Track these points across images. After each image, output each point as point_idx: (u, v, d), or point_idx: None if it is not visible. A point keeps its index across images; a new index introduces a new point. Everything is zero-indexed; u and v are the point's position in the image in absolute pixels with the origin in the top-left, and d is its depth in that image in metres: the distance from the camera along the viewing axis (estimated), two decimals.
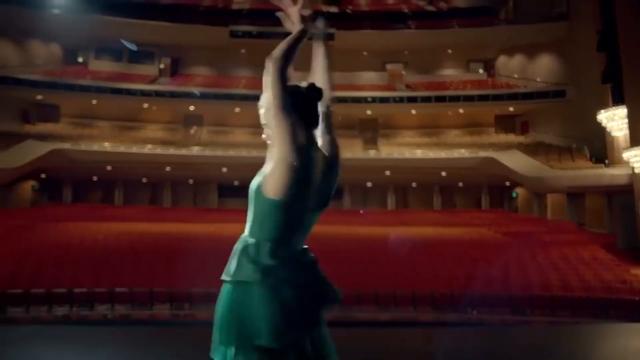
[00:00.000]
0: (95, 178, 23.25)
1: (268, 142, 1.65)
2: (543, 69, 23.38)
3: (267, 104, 1.64)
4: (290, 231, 1.60)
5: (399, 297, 9.36)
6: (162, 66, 25.65)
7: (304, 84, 1.77)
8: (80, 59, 25.57)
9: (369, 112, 24.20)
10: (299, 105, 1.66)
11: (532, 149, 21.21)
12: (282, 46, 1.65)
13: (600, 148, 18.87)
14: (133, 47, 21.59)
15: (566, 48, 22.15)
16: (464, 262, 11.42)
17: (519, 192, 23.75)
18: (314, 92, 1.76)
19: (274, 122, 1.58)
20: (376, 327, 8.50)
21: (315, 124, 1.73)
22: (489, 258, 11.82)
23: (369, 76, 25.87)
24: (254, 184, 1.63)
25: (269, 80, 1.60)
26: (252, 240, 1.59)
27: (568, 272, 10.59)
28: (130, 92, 22.63)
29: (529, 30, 22.87)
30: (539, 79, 23.21)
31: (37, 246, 11.86)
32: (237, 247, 1.61)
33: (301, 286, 1.57)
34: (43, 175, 22.06)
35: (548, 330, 6.80)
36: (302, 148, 1.59)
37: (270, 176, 1.57)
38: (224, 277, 1.58)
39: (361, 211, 22.33)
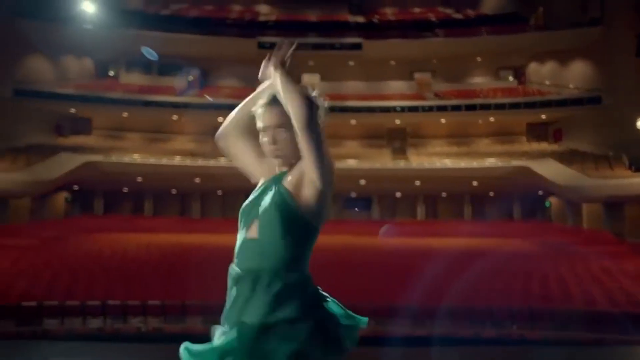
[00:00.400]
0: (125, 189, 23.56)
1: (275, 155, 1.59)
2: (576, 75, 22.82)
3: (280, 121, 1.57)
4: (310, 251, 1.55)
5: (436, 312, 9.08)
6: (190, 78, 25.93)
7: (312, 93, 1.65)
8: (111, 73, 26.07)
9: (397, 121, 23.99)
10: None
11: (566, 158, 20.66)
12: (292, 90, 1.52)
13: (639, 156, 18.29)
14: (154, 57, 21.82)
15: (601, 53, 21.57)
16: (501, 275, 11.07)
17: (552, 201, 23.16)
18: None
19: (308, 140, 1.46)
20: (412, 343, 8.27)
21: None
22: (526, 270, 11.44)
23: (397, 85, 25.69)
24: (275, 204, 1.51)
25: (296, 103, 1.48)
26: (282, 273, 1.48)
27: (612, 285, 10.15)
28: (160, 104, 22.92)
29: (561, 36, 22.40)
30: (571, 86, 22.67)
31: (70, 258, 11.97)
32: (264, 283, 1.48)
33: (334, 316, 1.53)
34: (75, 187, 22.45)
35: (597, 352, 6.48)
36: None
37: (311, 198, 1.48)
38: (255, 319, 1.45)
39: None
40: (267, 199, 1.54)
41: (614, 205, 19.25)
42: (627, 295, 9.51)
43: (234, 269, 1.56)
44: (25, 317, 8.32)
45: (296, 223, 1.49)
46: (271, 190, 1.56)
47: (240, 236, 1.58)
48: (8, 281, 9.42)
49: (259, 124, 1.62)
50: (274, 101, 1.59)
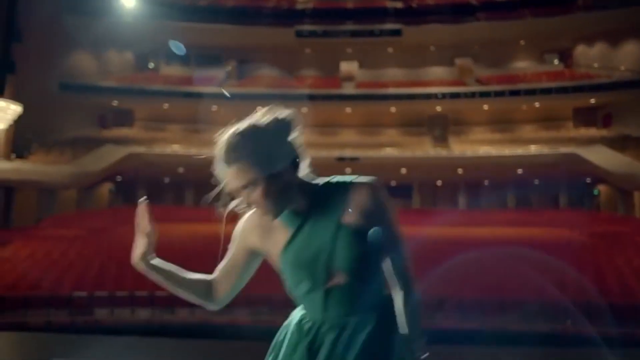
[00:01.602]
0: (167, 180, 23.92)
1: (264, 212, 1.35)
2: (627, 56, 21.76)
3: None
4: None
5: (486, 305, 8.83)
6: (229, 68, 26.02)
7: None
8: (151, 65, 26.42)
9: (438, 108, 23.47)
10: None
11: (618, 143, 19.78)
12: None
13: None
14: (181, 51, 21.93)
15: None
16: (551, 267, 10.67)
17: (600, 189, 22.28)
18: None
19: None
20: (461, 337, 8.05)
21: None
22: (578, 262, 11.00)
23: (437, 71, 25.11)
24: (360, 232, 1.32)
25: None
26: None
27: None
28: (199, 95, 23.09)
29: (611, 16, 21.36)
30: (622, 68, 21.64)
31: (117, 248, 12.20)
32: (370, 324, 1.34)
33: None
34: (119, 178, 22.94)
35: None
36: None
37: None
38: None
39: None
40: (336, 243, 1.32)
41: None
42: None
43: (307, 323, 1.38)
44: (77, 307, 8.50)
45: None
46: (327, 231, 1.34)
47: (313, 289, 1.35)
48: (58, 272, 9.65)
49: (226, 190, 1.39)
50: (222, 160, 1.36)
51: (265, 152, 1.30)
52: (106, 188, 23.52)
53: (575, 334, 8.12)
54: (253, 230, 1.45)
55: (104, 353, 4.40)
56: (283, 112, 1.38)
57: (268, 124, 1.34)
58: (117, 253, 11.58)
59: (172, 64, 26.10)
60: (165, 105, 23.63)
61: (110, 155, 20.35)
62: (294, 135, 1.39)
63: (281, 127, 1.35)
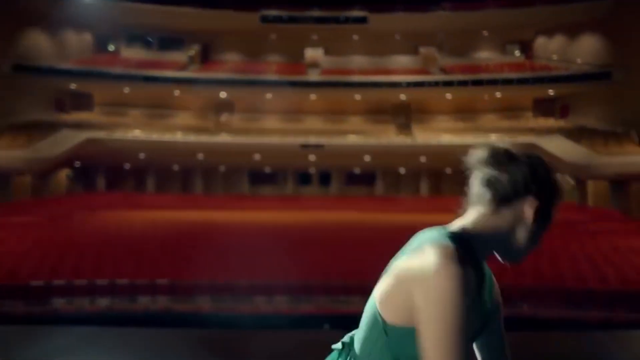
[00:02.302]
0: (127, 166, 23.40)
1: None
2: (585, 50, 22.41)
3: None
4: None
5: None
6: (192, 53, 25.52)
7: None
8: (111, 48, 25.65)
9: (402, 96, 23.68)
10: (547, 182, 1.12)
11: (574, 134, 20.43)
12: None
13: None
14: None
15: (612, 28, 21.12)
16: None
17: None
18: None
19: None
20: None
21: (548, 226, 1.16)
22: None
23: (402, 60, 25.29)
24: None
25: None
26: None
27: (623, 263, 10.07)
28: (161, 80, 22.58)
29: (570, 9, 21.89)
30: (579, 61, 22.29)
31: (76, 235, 11.89)
32: None
33: None
34: (77, 164, 22.28)
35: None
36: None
37: None
38: None
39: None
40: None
41: (620, 183, 19.11)
42: (639, 273, 9.44)
43: None
44: (34, 297, 8.25)
45: None
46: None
47: None
48: (15, 260, 9.34)
49: None
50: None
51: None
52: (63, 174, 22.82)
53: (531, 318, 8.40)
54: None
55: (63, 344, 4.29)
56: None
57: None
58: (76, 240, 11.28)
59: (133, 46, 25.41)
60: (126, 90, 23.02)
61: (68, 140, 19.71)
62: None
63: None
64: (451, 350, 0.93)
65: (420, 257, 1.00)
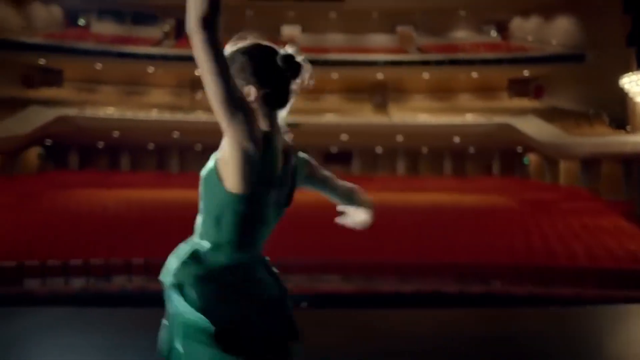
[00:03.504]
0: (101, 144, 22.95)
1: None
2: (560, 31, 22.64)
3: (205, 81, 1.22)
4: (251, 231, 1.32)
5: (422, 268, 9.17)
6: (166, 28, 24.95)
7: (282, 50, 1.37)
8: (81, 22, 24.88)
9: (379, 75, 23.63)
10: (263, 70, 1.33)
11: (547, 115, 20.75)
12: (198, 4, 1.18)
13: (620, 114, 18.41)
14: None
15: (585, 10, 21.34)
16: (483, 231, 11.19)
17: (530, 158, 23.41)
18: (292, 66, 1.34)
19: (219, 104, 1.22)
20: (399, 300, 8.34)
21: (284, 104, 1.36)
22: (508, 227, 11.60)
23: (378, 39, 25.16)
24: (204, 172, 1.32)
25: (198, 55, 1.19)
26: (205, 244, 1.31)
27: (592, 241, 10.37)
28: (135, 56, 22.06)
29: None
30: (555, 42, 22.52)
31: (48, 215, 11.67)
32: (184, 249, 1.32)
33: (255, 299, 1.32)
34: (48, 142, 21.75)
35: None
36: (259, 135, 1.27)
37: (225, 165, 1.27)
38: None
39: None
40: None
41: (591, 163, 19.56)
42: (607, 251, 9.73)
43: (265, 259, 1.43)
44: (7, 278, 8.11)
45: (215, 190, 1.35)
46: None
47: (269, 225, 1.37)
48: None
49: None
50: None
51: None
52: (35, 153, 22.26)
53: (504, 295, 8.61)
54: None
55: (37, 325, 4.23)
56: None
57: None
58: (49, 220, 11.07)
59: (104, 21, 24.70)
60: (98, 66, 22.43)
61: (37, 118, 19.16)
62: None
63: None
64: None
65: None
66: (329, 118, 22.30)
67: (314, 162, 1.53)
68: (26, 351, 3.57)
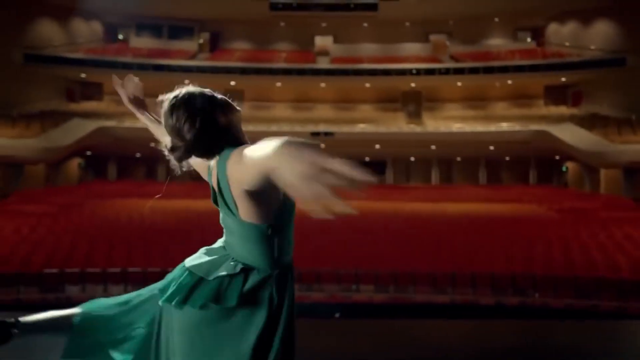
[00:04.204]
0: (138, 155, 23.52)
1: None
2: (599, 36, 22.06)
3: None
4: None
5: (457, 279, 9.03)
6: (201, 41, 25.49)
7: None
8: (120, 37, 25.67)
9: (412, 84, 23.52)
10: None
11: (586, 122, 20.19)
12: None
13: None
14: None
15: (625, 13, 20.76)
16: (520, 241, 10.95)
17: (569, 166, 22.82)
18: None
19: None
20: (433, 310, 8.23)
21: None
22: (546, 237, 11.31)
23: (411, 48, 25.06)
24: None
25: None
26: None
27: (636, 252, 10.00)
28: (171, 68, 22.58)
29: None
30: (593, 47, 21.96)
31: (88, 224, 12.01)
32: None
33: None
34: (89, 153, 22.44)
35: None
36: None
37: None
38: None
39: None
40: None
41: (633, 171, 18.91)
42: None
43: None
44: (48, 284, 8.37)
45: None
46: None
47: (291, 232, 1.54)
48: (29, 248, 9.46)
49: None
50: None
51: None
52: (75, 163, 23.01)
53: (542, 306, 8.39)
54: None
55: None
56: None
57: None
58: (88, 229, 11.40)
59: (142, 35, 25.41)
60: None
61: (79, 130, 19.84)
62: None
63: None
64: None
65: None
66: (363, 127, 22.30)
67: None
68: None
